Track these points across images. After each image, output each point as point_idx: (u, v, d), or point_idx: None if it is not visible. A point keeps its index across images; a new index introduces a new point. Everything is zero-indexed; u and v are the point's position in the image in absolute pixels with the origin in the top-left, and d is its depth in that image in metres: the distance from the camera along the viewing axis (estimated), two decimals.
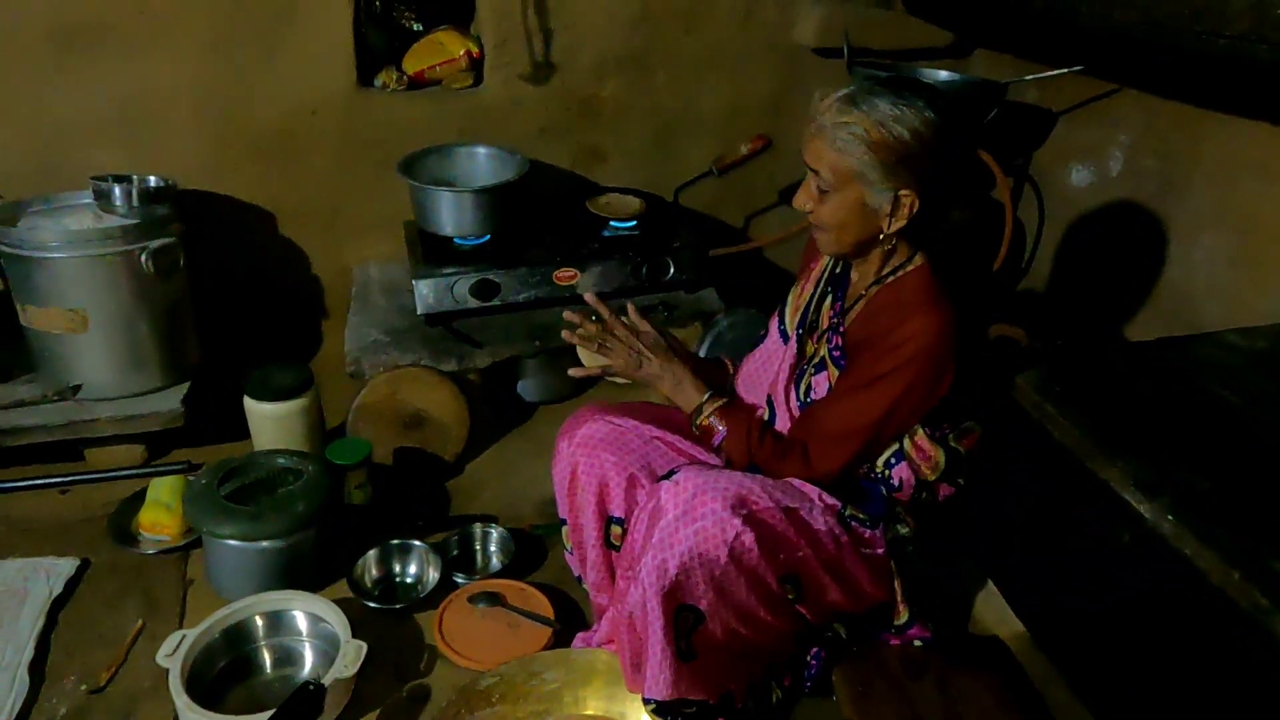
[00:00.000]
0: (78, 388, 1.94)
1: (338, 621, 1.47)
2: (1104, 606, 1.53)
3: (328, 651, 1.49)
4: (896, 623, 1.47)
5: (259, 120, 2.18)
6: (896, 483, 1.40)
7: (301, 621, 1.53)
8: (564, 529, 1.60)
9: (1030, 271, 2.45)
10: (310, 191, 2.29)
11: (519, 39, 2.25)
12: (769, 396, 1.53)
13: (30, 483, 1.92)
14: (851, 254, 1.38)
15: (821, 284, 1.52)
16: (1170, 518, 1.18)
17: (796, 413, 1.47)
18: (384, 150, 2.21)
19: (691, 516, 1.23)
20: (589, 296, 1.55)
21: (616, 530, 1.48)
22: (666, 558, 1.24)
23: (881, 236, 1.32)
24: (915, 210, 1.28)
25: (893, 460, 1.40)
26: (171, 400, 1.98)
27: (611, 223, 2.25)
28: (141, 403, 1.96)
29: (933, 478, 1.41)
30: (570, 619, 1.66)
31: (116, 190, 1.91)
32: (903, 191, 1.27)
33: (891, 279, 1.37)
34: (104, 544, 1.78)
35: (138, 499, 1.84)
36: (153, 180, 2.00)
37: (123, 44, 2.03)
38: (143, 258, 1.88)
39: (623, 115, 2.43)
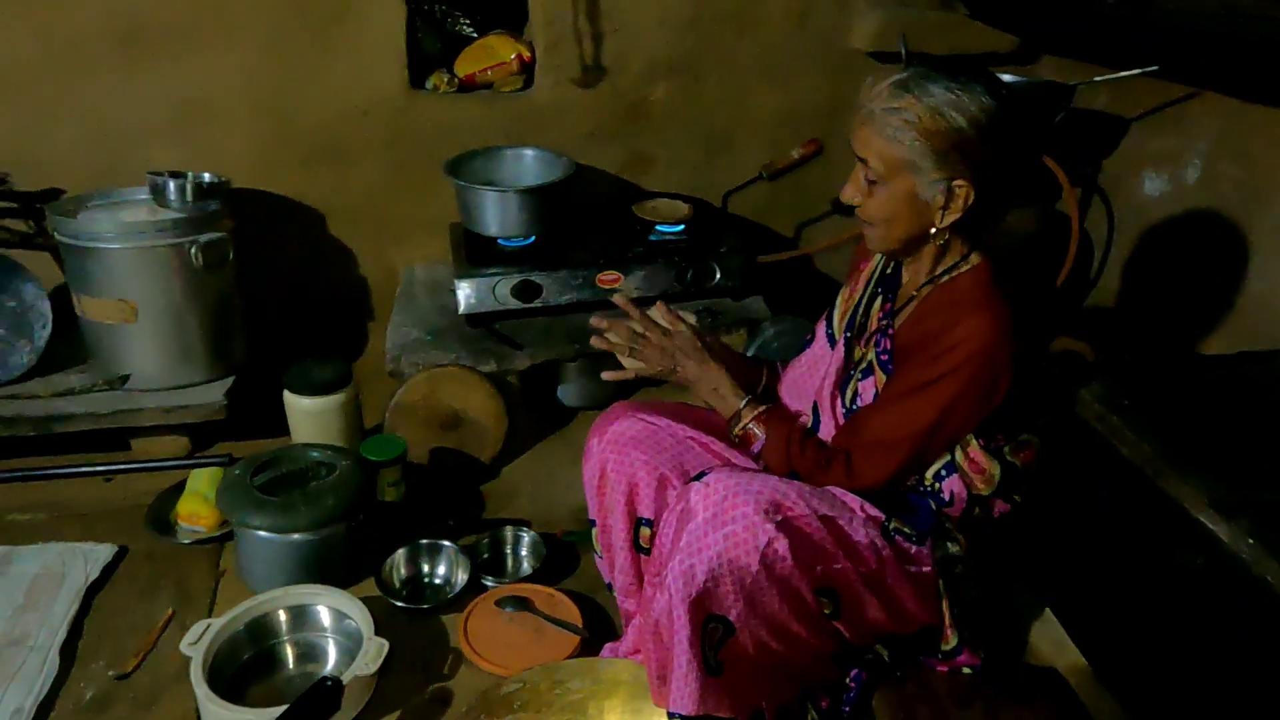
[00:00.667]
0: (126, 378, 1.97)
1: (362, 619, 1.45)
2: (1174, 638, 1.41)
3: (351, 649, 1.46)
4: (944, 648, 1.37)
5: (312, 121, 2.21)
6: (947, 496, 1.32)
7: (326, 617, 1.51)
8: (593, 531, 1.56)
9: (1098, 286, 2.32)
10: (360, 192, 2.31)
11: (569, 42, 2.24)
12: (814, 403, 1.46)
13: (76, 470, 1.95)
14: (902, 251, 1.31)
15: (871, 285, 1.44)
16: (1251, 541, 1.07)
17: (842, 420, 1.40)
18: (433, 152, 2.22)
19: (722, 520, 1.17)
20: (618, 299, 1.50)
21: (646, 532, 1.43)
22: (695, 563, 1.17)
23: (934, 231, 1.24)
24: (970, 203, 1.20)
25: (943, 473, 1.31)
26: (215, 393, 2.00)
27: (658, 227, 2.21)
28: (186, 395, 1.98)
29: (986, 492, 1.32)
30: (599, 628, 1.61)
31: (171, 185, 1.95)
32: (957, 182, 1.19)
33: (945, 279, 1.29)
34: (142, 532, 1.79)
35: (178, 490, 1.85)
36: (206, 177, 2.04)
37: (183, 45, 2.08)
38: (193, 251, 1.91)
39: (672, 120, 2.39)
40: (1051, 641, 1.51)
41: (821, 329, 1.52)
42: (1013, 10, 2.29)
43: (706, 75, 2.36)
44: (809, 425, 1.46)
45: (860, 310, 1.44)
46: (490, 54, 2.31)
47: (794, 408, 1.52)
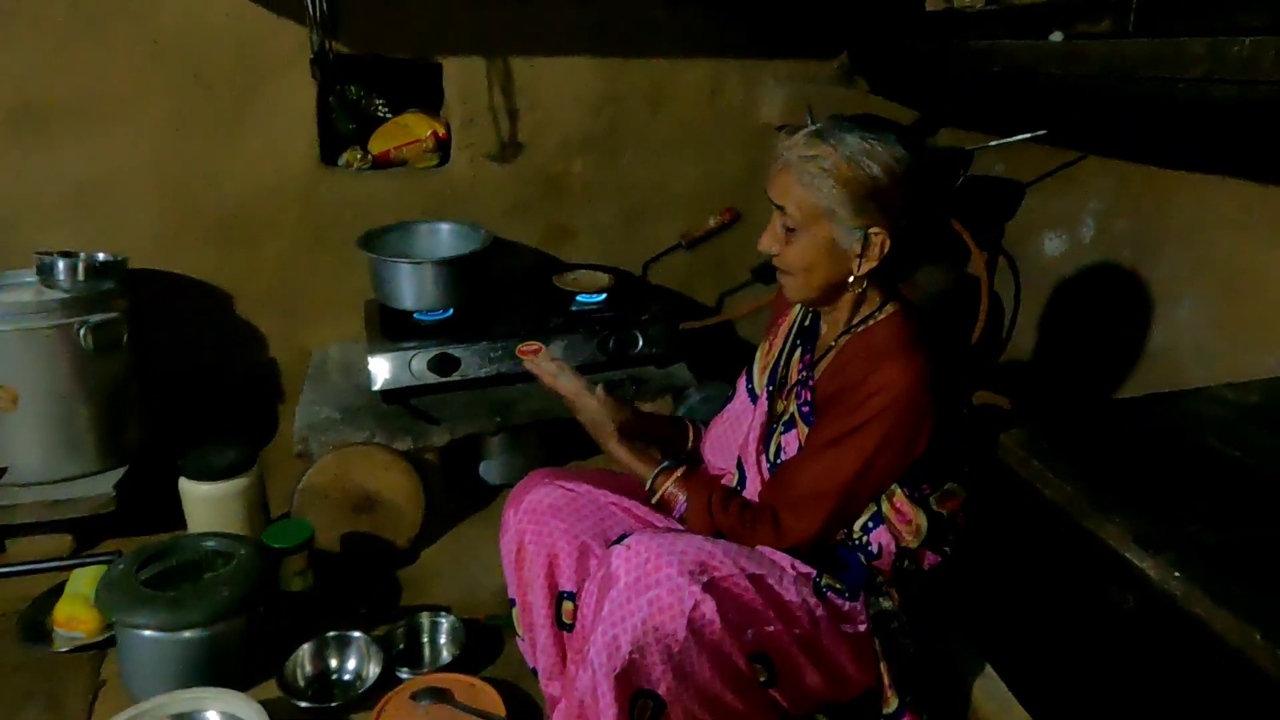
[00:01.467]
0: (2, 471, 1.81)
1: None
2: (1115, 683, 1.38)
3: None
4: (885, 711, 1.31)
5: (219, 199, 2.14)
6: (875, 549, 1.28)
7: None
8: (514, 611, 1.47)
9: (1011, 343, 2.39)
10: (270, 271, 2.24)
11: (485, 117, 2.25)
12: (739, 460, 1.43)
13: None
14: (820, 300, 1.31)
15: (791, 338, 1.44)
16: (1177, 574, 1.06)
17: (767, 474, 1.36)
18: (346, 230, 2.17)
19: (645, 584, 1.11)
20: (529, 365, 1.49)
21: (568, 607, 1.35)
22: (618, 633, 1.10)
23: (851, 279, 1.25)
24: (886, 251, 1.21)
25: (870, 524, 1.28)
26: (103, 485, 1.85)
27: (579, 297, 2.19)
28: (71, 488, 1.83)
29: (914, 544, 1.29)
30: (525, 716, 1.49)
31: (60, 264, 1.84)
32: (873, 230, 1.20)
33: (862, 328, 1.29)
34: (13, 642, 1.61)
35: (57, 593, 1.68)
36: (100, 256, 1.94)
37: (82, 123, 2.01)
38: (81, 333, 1.80)
39: (591, 193, 2.41)
40: (995, 699, 1.46)
41: (742, 384, 1.50)
42: (909, 85, 2.41)
43: (623, 149, 2.40)
44: (734, 483, 1.42)
45: (781, 363, 1.43)
46: (405, 132, 2.30)
47: (718, 465, 1.48)
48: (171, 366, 2.20)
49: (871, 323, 1.29)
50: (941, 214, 1.60)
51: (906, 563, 1.30)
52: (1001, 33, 1.77)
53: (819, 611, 1.22)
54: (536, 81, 2.25)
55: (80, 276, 1.86)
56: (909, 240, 1.24)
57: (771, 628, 1.17)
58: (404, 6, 2.10)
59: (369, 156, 2.28)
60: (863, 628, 1.26)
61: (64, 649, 1.60)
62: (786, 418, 1.35)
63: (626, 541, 1.15)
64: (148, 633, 1.41)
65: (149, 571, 1.49)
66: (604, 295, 2.20)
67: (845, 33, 2.35)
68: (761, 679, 1.19)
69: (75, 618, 1.62)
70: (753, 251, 2.52)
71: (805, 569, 1.24)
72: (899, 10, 2.15)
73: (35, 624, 1.65)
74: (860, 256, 1.22)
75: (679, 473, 1.35)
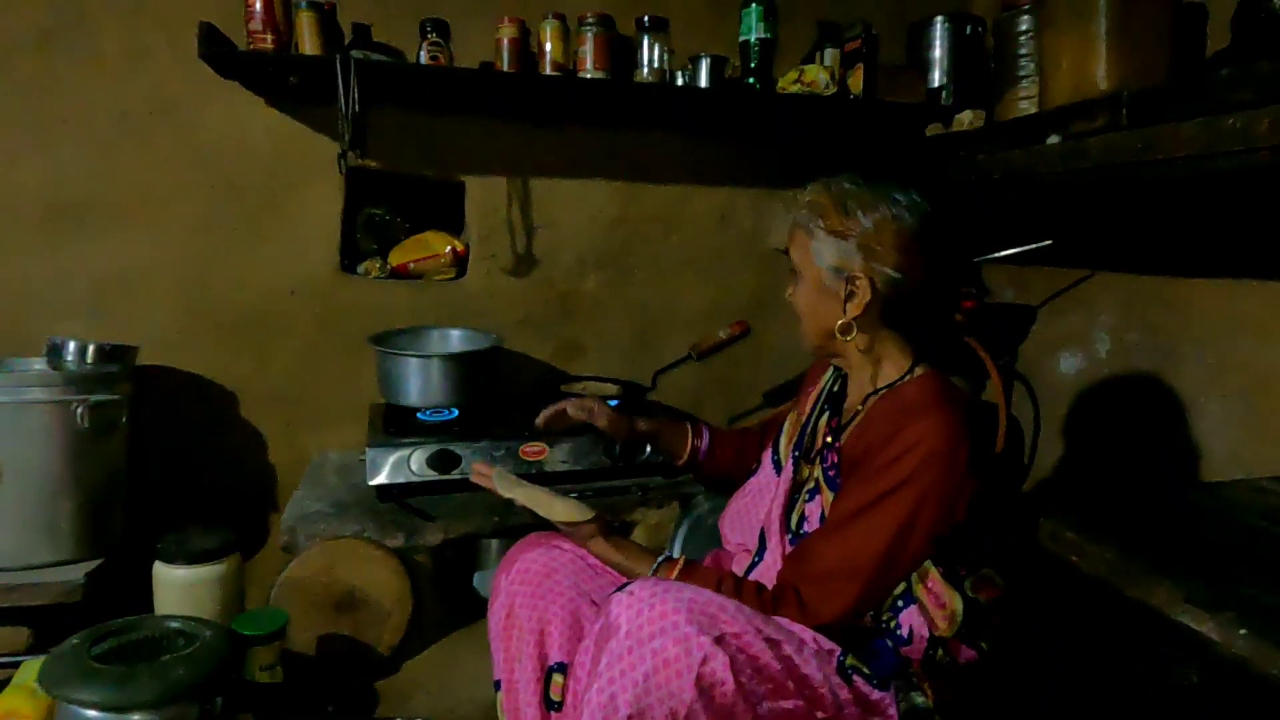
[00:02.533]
0: None
1: None
2: None
3: None
4: None
5: (235, 298, 2.18)
6: (905, 633, 1.15)
7: None
8: (498, 697, 1.32)
9: (1033, 467, 2.29)
10: (278, 373, 2.23)
11: (502, 233, 2.33)
12: (761, 532, 1.33)
13: None
14: (823, 347, 1.29)
15: (819, 404, 1.39)
16: (1243, 632, 0.94)
17: (788, 547, 1.26)
18: (359, 334, 2.18)
19: (649, 634, 0.99)
20: (479, 479, 1.45)
21: (558, 681, 1.21)
22: (616, 691, 0.97)
23: (839, 324, 1.23)
24: (869, 298, 1.20)
25: (900, 603, 1.16)
26: (74, 573, 1.74)
27: None
28: (37, 574, 1.72)
29: (949, 632, 1.16)
30: None
31: (70, 346, 1.85)
32: (855, 276, 1.21)
33: (890, 390, 1.25)
34: None
35: (4, 687, 1.54)
36: (112, 344, 1.94)
37: (111, 222, 2.08)
38: (79, 411, 1.76)
39: (602, 310, 2.44)
40: None
41: (767, 457, 1.43)
42: None
43: (636, 269, 2.45)
44: (753, 558, 1.32)
45: (808, 431, 1.37)
46: (424, 246, 2.37)
47: (736, 541, 1.38)
48: (166, 461, 2.14)
49: (899, 384, 1.24)
50: (951, 273, 1.58)
51: (940, 653, 1.17)
52: (1000, 146, 1.85)
53: (844, 694, 1.08)
54: (553, 201, 2.35)
55: (88, 359, 1.85)
56: (911, 299, 1.22)
57: (790, 704, 1.03)
58: (431, 130, 2.23)
59: (387, 267, 2.33)
60: None
61: None
62: (811, 485, 1.27)
63: (629, 587, 1.04)
64: (90, 713, 1.26)
65: (103, 648, 1.36)
66: (614, 403, 2.16)
67: (852, 160, 2.46)
68: None
69: (15, 712, 1.46)
70: (763, 370, 2.53)
71: (828, 645, 1.11)
72: (901, 140, 2.25)
73: None
74: (845, 302, 1.22)
75: (680, 564, 1.25)
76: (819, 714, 1.05)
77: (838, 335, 1.24)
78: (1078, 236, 2.04)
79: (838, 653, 1.11)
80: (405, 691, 1.71)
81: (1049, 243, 1.96)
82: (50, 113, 2.02)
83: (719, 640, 0.99)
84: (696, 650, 0.97)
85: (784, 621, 1.12)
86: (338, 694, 1.62)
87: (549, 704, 1.22)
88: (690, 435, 1.60)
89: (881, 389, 1.25)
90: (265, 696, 1.49)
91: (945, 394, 1.19)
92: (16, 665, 1.63)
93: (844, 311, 1.22)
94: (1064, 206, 2.05)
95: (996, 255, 2.03)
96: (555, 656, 1.22)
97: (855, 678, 1.11)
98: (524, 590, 1.26)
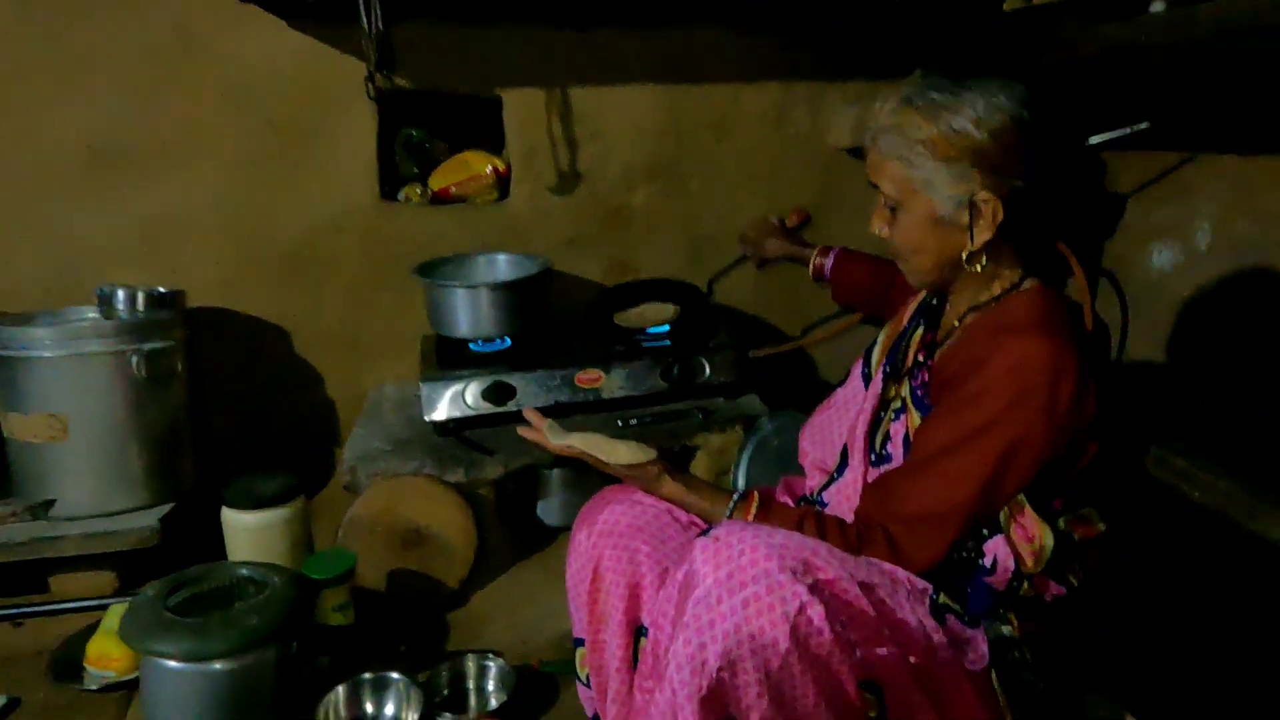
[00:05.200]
0: (50, 503, 1.76)
1: None
2: None
3: None
4: None
5: (281, 237, 2.13)
6: (990, 563, 1.07)
7: None
8: (579, 652, 1.29)
9: (1120, 376, 2.15)
10: (330, 310, 2.20)
11: (545, 149, 2.21)
12: (844, 449, 1.24)
13: None
14: (939, 282, 1.15)
15: (916, 318, 1.27)
16: None
17: (870, 469, 1.18)
18: (406, 266, 2.11)
19: (739, 582, 0.91)
20: (523, 430, 1.32)
21: (647, 644, 1.16)
22: (705, 642, 0.90)
23: (965, 255, 1.09)
24: (1000, 218, 1.05)
25: (985, 532, 1.07)
26: (149, 519, 1.78)
27: (647, 331, 2.07)
28: (114, 522, 1.76)
29: (1035, 569, 1.07)
30: None
31: (120, 294, 1.84)
32: (980, 196, 1.05)
33: (993, 304, 1.12)
34: (43, 680, 1.52)
35: (94, 631, 1.59)
36: (161, 289, 1.93)
37: (151, 164, 2.04)
38: (134, 360, 1.76)
39: (654, 226, 2.33)
40: None
41: (857, 369, 1.34)
42: None
43: (687, 179, 2.31)
44: (831, 474, 1.24)
45: (902, 346, 1.26)
46: (465, 168, 2.28)
47: (815, 457, 1.30)
48: (228, 405, 2.16)
49: (1003, 299, 1.11)
50: (1071, 172, 1.39)
51: (1025, 586, 1.09)
52: (1095, 17, 1.64)
53: (937, 637, 1.00)
54: (597, 111, 2.21)
55: (139, 306, 1.84)
56: (1034, 205, 1.07)
57: (884, 650, 0.96)
58: (464, 42, 2.10)
59: (428, 192, 2.25)
60: (983, 662, 1.04)
61: (93, 688, 1.49)
62: (897, 404, 1.17)
63: (713, 533, 0.96)
64: (170, 664, 1.29)
65: (177, 599, 1.38)
66: (668, 327, 2.08)
67: (918, 47, 2.24)
68: (871, 714, 0.97)
69: (106, 655, 1.52)
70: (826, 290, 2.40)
71: (921, 584, 1.04)
72: (974, 20, 2.03)
73: (68, 662, 1.56)
74: (970, 227, 1.07)
75: (756, 502, 1.18)
76: (912, 658, 0.98)
77: (964, 266, 1.10)
78: (1179, 117, 1.83)
79: (930, 591, 1.04)
80: (476, 623, 1.72)
81: (1145, 125, 1.76)
82: (80, 55, 1.96)
83: (814, 587, 0.92)
84: (791, 599, 0.90)
85: (875, 560, 1.05)
86: (409, 630, 1.63)
87: (636, 671, 1.18)
88: (814, 254, 1.74)
89: (983, 303, 1.12)
90: (339, 638, 1.51)
91: (1052, 314, 1.06)
92: (104, 608, 1.69)
93: (970, 240, 1.07)
94: (1165, 84, 1.83)
95: (1090, 141, 1.83)
96: (647, 619, 1.17)
97: (948, 616, 1.04)
98: (610, 548, 1.20)
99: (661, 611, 0.98)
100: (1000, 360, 1.02)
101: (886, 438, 1.16)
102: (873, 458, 1.18)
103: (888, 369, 1.24)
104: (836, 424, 1.31)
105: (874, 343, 1.34)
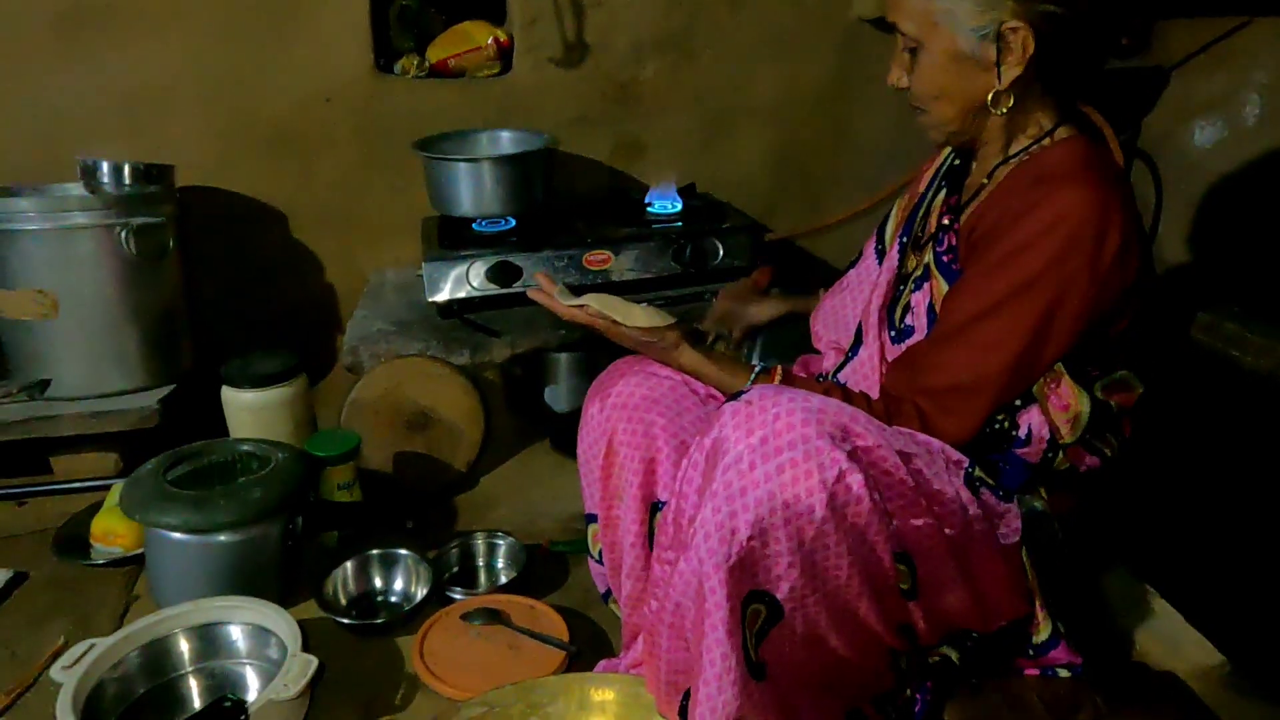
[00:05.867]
0: (46, 383, 1.72)
1: (288, 633, 1.15)
2: None
3: (275, 675, 1.15)
4: (1035, 640, 1.06)
5: (270, 110, 2.02)
6: (1024, 434, 1.02)
7: (243, 635, 1.21)
8: (591, 529, 1.26)
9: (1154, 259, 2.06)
10: (324, 188, 2.10)
11: (549, 17, 2.07)
12: (859, 327, 1.17)
13: None
14: (963, 133, 1.04)
15: (936, 182, 1.18)
16: None
17: (888, 344, 1.11)
18: (404, 142, 2.00)
19: (774, 448, 0.85)
20: (533, 292, 1.24)
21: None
22: (736, 510, 0.85)
23: (992, 96, 0.98)
24: (1031, 51, 0.94)
25: (1018, 402, 1.01)
26: (148, 399, 1.74)
27: (653, 201, 1.98)
28: (113, 402, 1.72)
29: (1069, 439, 1.02)
30: (593, 646, 1.30)
31: (105, 166, 1.75)
32: (1008, 25, 0.94)
33: (1026, 155, 1.02)
34: (48, 556, 1.51)
35: (98, 509, 1.57)
36: (148, 163, 1.83)
37: (128, 29, 1.91)
38: (123, 235, 1.68)
39: (664, 102, 2.20)
40: (1163, 638, 1.19)
41: (870, 246, 1.26)
42: None
43: (700, 52, 2.17)
44: (847, 354, 1.17)
45: (920, 212, 1.17)
46: (464, 39, 2.14)
47: (830, 339, 1.24)
48: (224, 288, 2.09)
49: (1037, 149, 1.01)
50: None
51: (1056, 456, 1.04)
52: None
53: (973, 509, 0.95)
54: None
55: (125, 180, 1.75)
56: (1073, 34, 0.95)
57: (920, 521, 0.91)
58: None
59: (426, 64, 2.12)
60: (1015, 537, 1.00)
61: (100, 562, 1.48)
62: (919, 273, 1.09)
63: (745, 396, 0.90)
64: (174, 535, 1.27)
65: (178, 472, 1.35)
66: (679, 205, 1.99)
67: None
68: (904, 586, 0.93)
69: (112, 531, 1.50)
70: (847, 170, 2.29)
71: (956, 455, 0.98)
72: None
73: (73, 539, 1.55)
74: (998, 64, 0.96)
75: (779, 374, 1.11)
76: (947, 530, 0.94)
77: (990, 109, 0.99)
78: None
79: (965, 464, 0.99)
80: (483, 506, 1.70)
81: None
82: None
83: (852, 454, 0.86)
84: (830, 466, 0.84)
85: (910, 430, 0.99)
86: (417, 510, 1.61)
87: (653, 543, 1.15)
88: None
89: (1015, 155, 1.03)
90: (344, 514, 1.49)
91: (1096, 160, 0.97)
92: (108, 488, 1.66)
93: (998, 78, 0.96)
94: None
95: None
96: (663, 494, 1.13)
97: (982, 490, 0.99)
98: (624, 421, 1.14)
99: (686, 479, 0.93)
100: (1040, 214, 0.93)
101: (907, 309, 1.09)
102: (893, 334, 1.11)
103: (904, 240, 1.15)
104: (850, 304, 1.24)
105: (887, 216, 1.25)
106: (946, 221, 1.08)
